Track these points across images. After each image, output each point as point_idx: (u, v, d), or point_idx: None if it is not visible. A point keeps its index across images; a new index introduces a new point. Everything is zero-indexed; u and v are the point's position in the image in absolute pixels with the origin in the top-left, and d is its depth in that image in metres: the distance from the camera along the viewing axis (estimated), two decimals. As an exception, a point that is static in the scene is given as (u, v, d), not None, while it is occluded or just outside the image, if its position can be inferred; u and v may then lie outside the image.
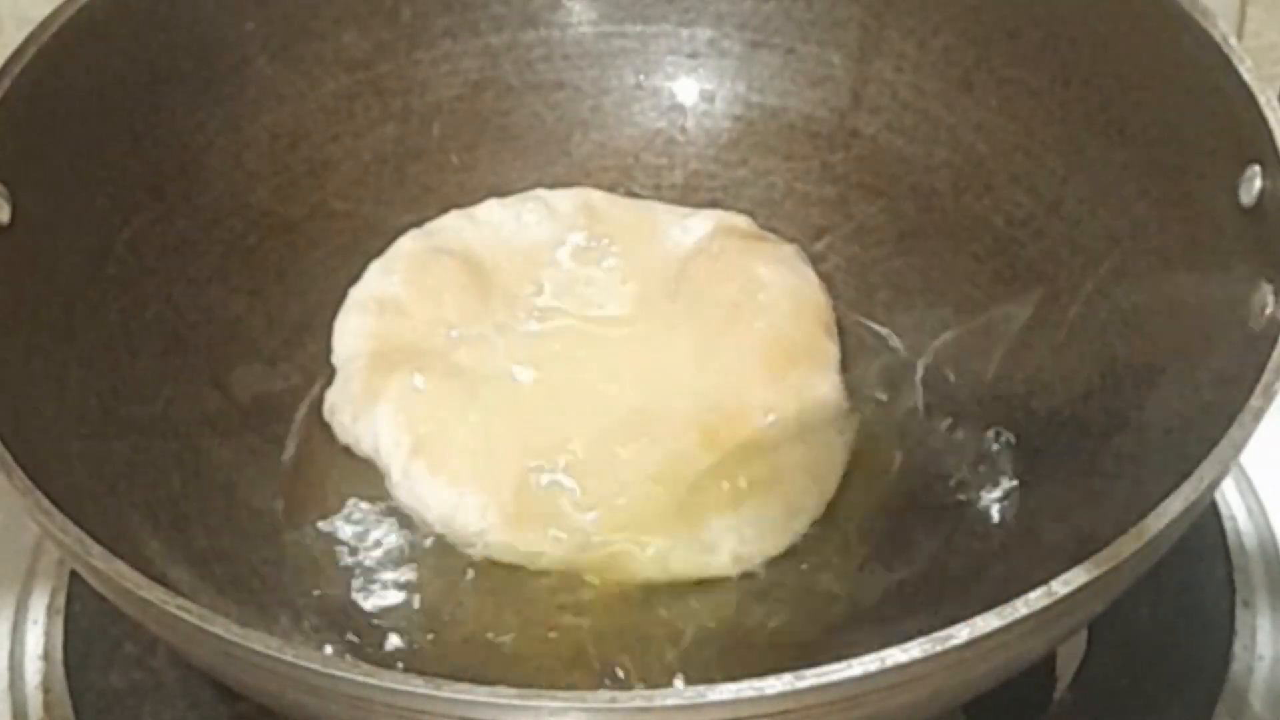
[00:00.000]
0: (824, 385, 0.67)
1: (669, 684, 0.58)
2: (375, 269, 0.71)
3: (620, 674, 0.59)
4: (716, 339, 0.68)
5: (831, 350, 0.68)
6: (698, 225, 0.72)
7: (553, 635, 0.60)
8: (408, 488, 0.64)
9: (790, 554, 0.63)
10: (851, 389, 0.67)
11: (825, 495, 0.64)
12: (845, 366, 0.68)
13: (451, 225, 0.72)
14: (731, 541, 0.62)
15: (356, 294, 0.70)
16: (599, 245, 0.72)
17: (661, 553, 0.62)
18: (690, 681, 0.58)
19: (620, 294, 0.70)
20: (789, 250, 0.72)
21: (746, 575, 0.62)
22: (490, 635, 0.60)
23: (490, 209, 0.73)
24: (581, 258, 0.72)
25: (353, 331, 0.69)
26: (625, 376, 0.67)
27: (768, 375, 0.66)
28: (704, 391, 0.66)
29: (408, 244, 0.71)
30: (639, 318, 0.69)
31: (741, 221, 0.73)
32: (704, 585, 0.62)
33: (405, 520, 0.64)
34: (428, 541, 0.63)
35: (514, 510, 0.62)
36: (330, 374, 0.68)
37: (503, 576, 0.62)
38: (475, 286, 0.70)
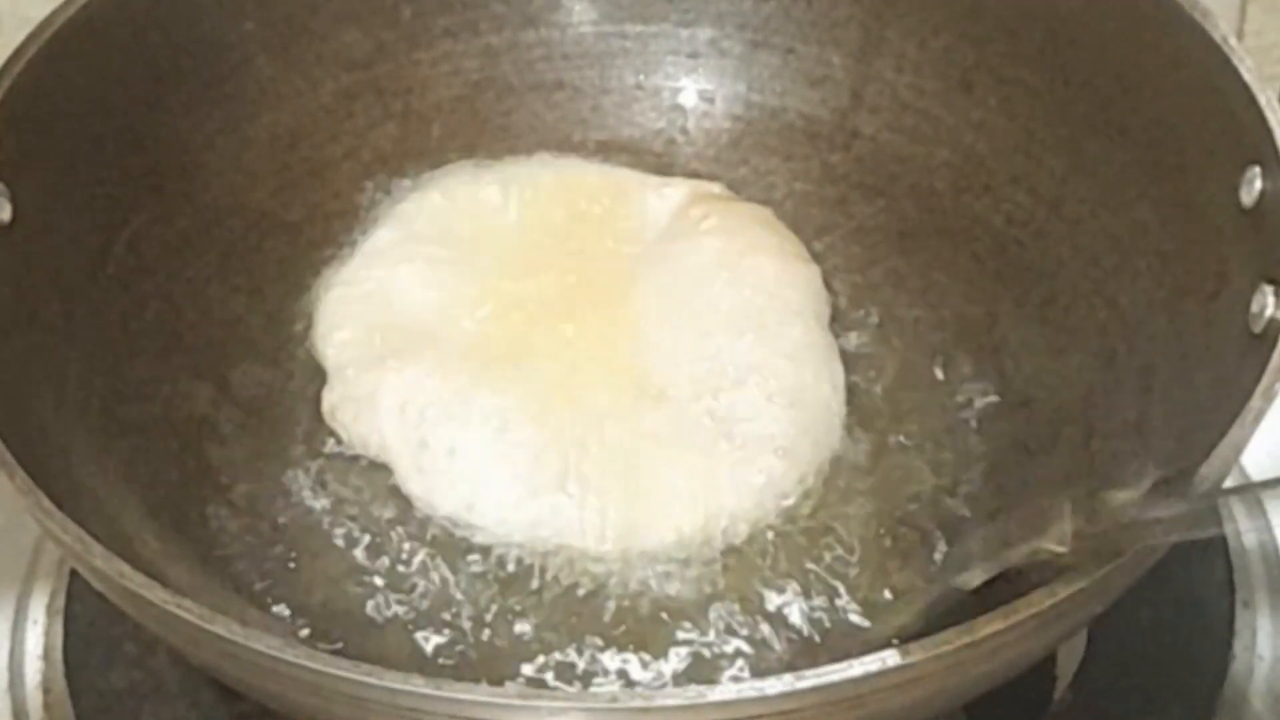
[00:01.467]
0: (819, 339, 0.67)
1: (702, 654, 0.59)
2: (355, 264, 0.71)
3: (645, 654, 0.59)
4: (708, 303, 0.68)
5: (823, 307, 0.69)
6: (673, 192, 0.73)
7: (574, 619, 0.60)
8: (421, 482, 0.64)
9: (792, 522, 0.63)
10: (851, 386, 0.67)
11: (826, 454, 0.65)
12: (844, 365, 0.68)
13: (424, 212, 0.72)
14: (743, 504, 0.62)
15: (339, 291, 0.70)
16: (578, 215, 0.72)
17: (677, 520, 0.62)
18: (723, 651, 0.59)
19: (606, 263, 0.70)
20: (765, 212, 0.72)
21: (758, 536, 0.63)
22: (505, 626, 0.60)
23: (460, 188, 0.73)
24: (562, 229, 0.72)
25: (341, 329, 0.69)
26: (622, 346, 0.67)
27: (762, 335, 0.67)
28: (702, 356, 0.66)
29: (385, 234, 0.71)
30: (628, 286, 0.70)
31: (715, 187, 0.73)
32: (719, 549, 0.62)
33: (413, 514, 0.64)
34: (436, 534, 0.63)
35: (530, 492, 0.62)
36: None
37: (518, 563, 0.62)
38: (458, 270, 0.70)
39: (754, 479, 0.63)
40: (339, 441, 0.66)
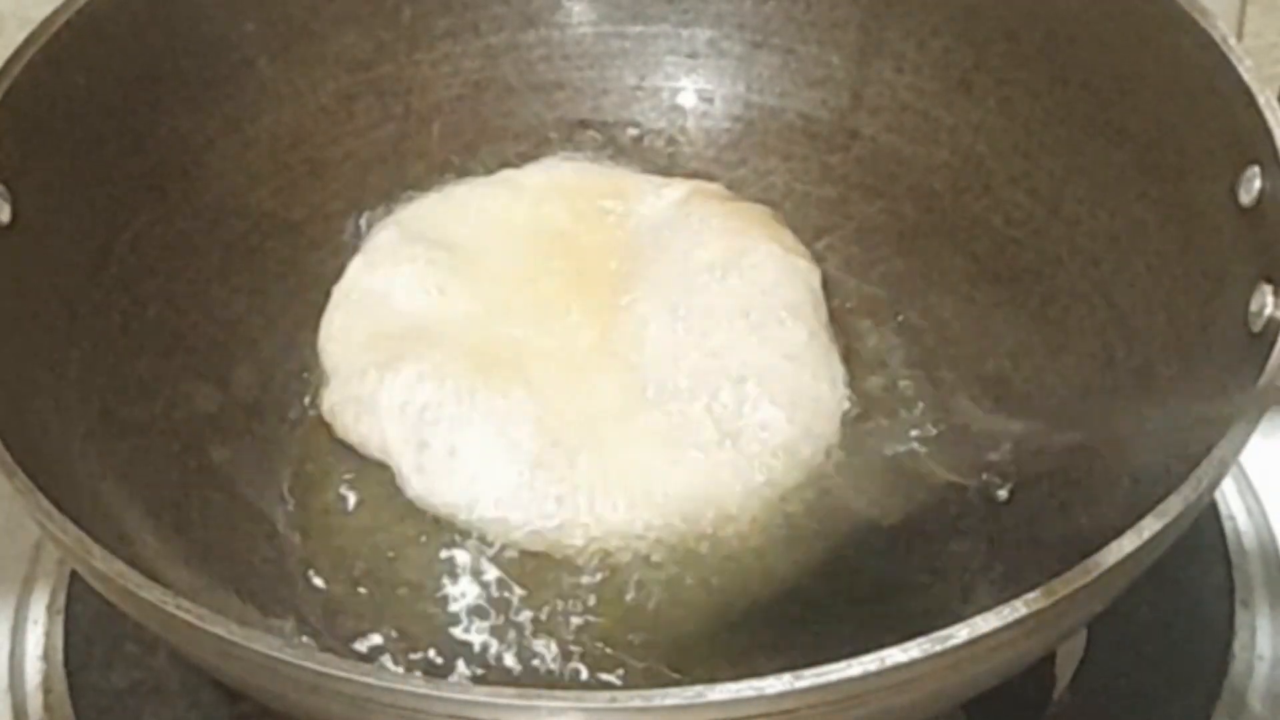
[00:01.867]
0: (819, 339, 0.68)
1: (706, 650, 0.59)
2: (356, 265, 0.71)
3: (646, 652, 0.60)
4: (708, 303, 0.68)
5: (823, 307, 0.69)
6: (673, 192, 0.73)
7: (574, 617, 0.60)
8: (421, 483, 0.64)
9: (791, 522, 0.63)
10: (850, 386, 0.67)
11: (826, 454, 0.65)
12: (844, 365, 0.68)
13: (424, 213, 0.72)
14: (743, 503, 0.63)
15: (340, 292, 0.70)
16: (578, 215, 0.72)
17: (677, 520, 0.62)
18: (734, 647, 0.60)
19: (606, 264, 0.71)
20: (765, 212, 0.72)
21: (758, 535, 0.63)
22: (506, 624, 0.60)
23: (460, 192, 0.73)
24: (562, 229, 0.72)
25: (341, 330, 0.69)
26: (622, 346, 0.67)
27: (762, 335, 0.67)
28: (702, 356, 0.66)
29: (385, 235, 0.71)
30: (626, 286, 0.70)
31: (714, 187, 0.73)
32: (718, 549, 0.62)
33: (414, 514, 0.64)
34: (438, 535, 0.63)
35: (531, 494, 0.63)
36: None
37: (517, 563, 0.62)
38: (459, 271, 0.70)
39: (754, 478, 0.63)
40: (340, 442, 0.66)
